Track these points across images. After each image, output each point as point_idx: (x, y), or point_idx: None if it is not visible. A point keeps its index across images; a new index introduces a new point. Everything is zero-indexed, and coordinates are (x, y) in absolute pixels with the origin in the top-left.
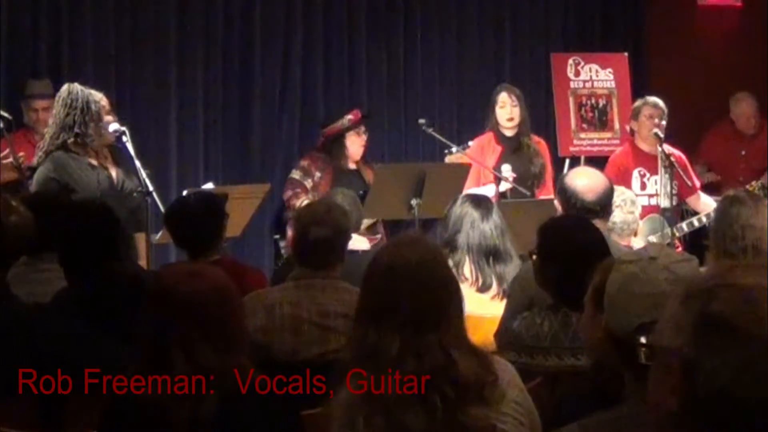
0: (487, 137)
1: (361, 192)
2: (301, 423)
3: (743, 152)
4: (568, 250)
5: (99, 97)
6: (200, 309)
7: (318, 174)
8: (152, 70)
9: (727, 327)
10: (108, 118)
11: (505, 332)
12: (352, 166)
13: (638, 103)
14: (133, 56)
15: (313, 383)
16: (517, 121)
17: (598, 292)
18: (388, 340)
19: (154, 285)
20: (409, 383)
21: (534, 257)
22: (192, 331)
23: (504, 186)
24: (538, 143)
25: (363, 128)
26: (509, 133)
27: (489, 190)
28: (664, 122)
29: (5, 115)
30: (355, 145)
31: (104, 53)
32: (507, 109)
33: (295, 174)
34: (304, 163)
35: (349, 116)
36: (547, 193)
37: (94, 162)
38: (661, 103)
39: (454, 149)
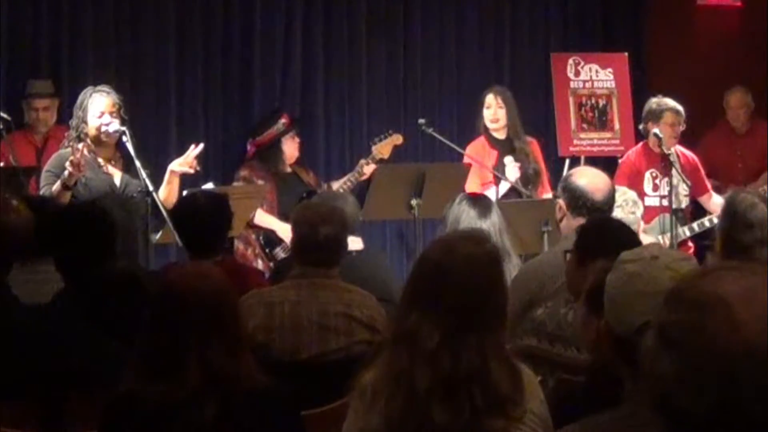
0: (480, 142)
1: (304, 194)
2: (302, 423)
3: (739, 152)
4: (609, 249)
5: (104, 94)
6: (213, 310)
7: (260, 182)
8: (152, 69)
9: (668, 336)
10: (104, 117)
11: (526, 320)
12: (288, 170)
13: (655, 106)
14: (133, 56)
15: (314, 383)
16: (503, 122)
17: (592, 293)
18: (428, 328)
19: (163, 288)
20: (441, 379)
21: (569, 255)
22: (206, 333)
23: (504, 187)
24: (530, 143)
25: (295, 131)
26: (499, 136)
27: (490, 193)
28: (682, 127)
29: (4, 116)
30: (290, 148)
31: (104, 53)
32: (492, 110)
33: (238, 185)
34: (244, 173)
35: (283, 120)
36: (544, 194)
37: (102, 162)
38: (681, 108)
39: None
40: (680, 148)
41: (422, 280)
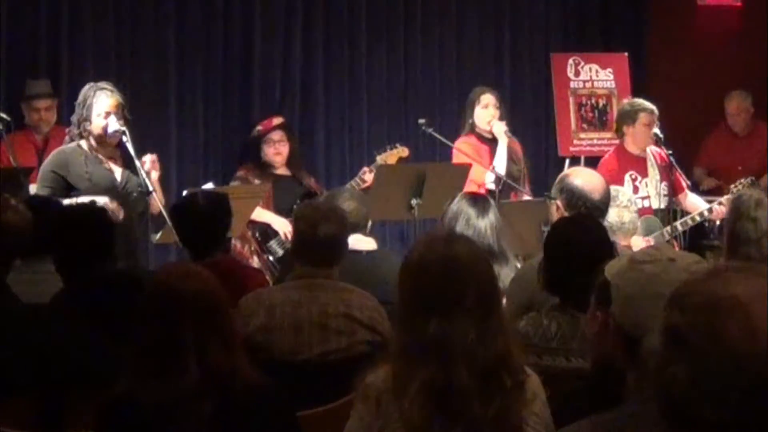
0: (473, 141)
1: (298, 199)
2: (297, 420)
3: (739, 154)
4: (575, 250)
5: (109, 93)
6: (208, 309)
7: (257, 181)
8: (152, 69)
9: (681, 340)
10: (110, 118)
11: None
12: (283, 172)
13: (628, 107)
14: (133, 56)
15: (314, 383)
16: None
17: (600, 287)
18: (460, 329)
19: (157, 287)
20: (477, 371)
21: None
22: (198, 332)
23: (490, 177)
24: (514, 144)
25: (278, 136)
26: (487, 135)
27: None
28: (657, 126)
29: (4, 116)
30: (269, 154)
31: (104, 53)
32: (490, 111)
33: (235, 184)
34: (241, 173)
35: (259, 127)
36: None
37: (102, 159)
38: (655, 108)
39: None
40: (655, 148)
41: (434, 286)
